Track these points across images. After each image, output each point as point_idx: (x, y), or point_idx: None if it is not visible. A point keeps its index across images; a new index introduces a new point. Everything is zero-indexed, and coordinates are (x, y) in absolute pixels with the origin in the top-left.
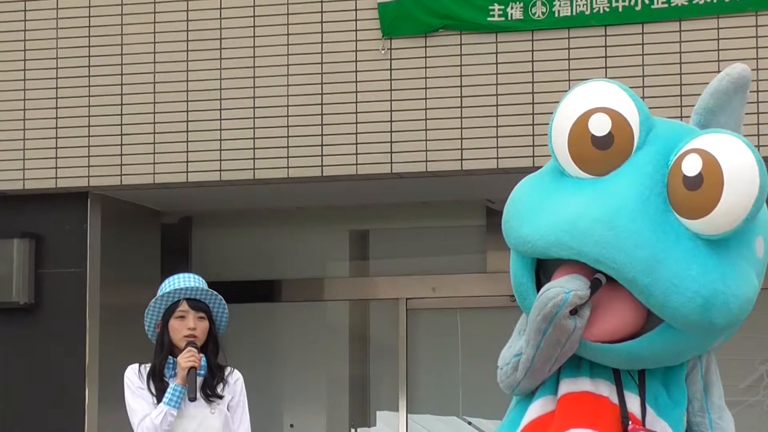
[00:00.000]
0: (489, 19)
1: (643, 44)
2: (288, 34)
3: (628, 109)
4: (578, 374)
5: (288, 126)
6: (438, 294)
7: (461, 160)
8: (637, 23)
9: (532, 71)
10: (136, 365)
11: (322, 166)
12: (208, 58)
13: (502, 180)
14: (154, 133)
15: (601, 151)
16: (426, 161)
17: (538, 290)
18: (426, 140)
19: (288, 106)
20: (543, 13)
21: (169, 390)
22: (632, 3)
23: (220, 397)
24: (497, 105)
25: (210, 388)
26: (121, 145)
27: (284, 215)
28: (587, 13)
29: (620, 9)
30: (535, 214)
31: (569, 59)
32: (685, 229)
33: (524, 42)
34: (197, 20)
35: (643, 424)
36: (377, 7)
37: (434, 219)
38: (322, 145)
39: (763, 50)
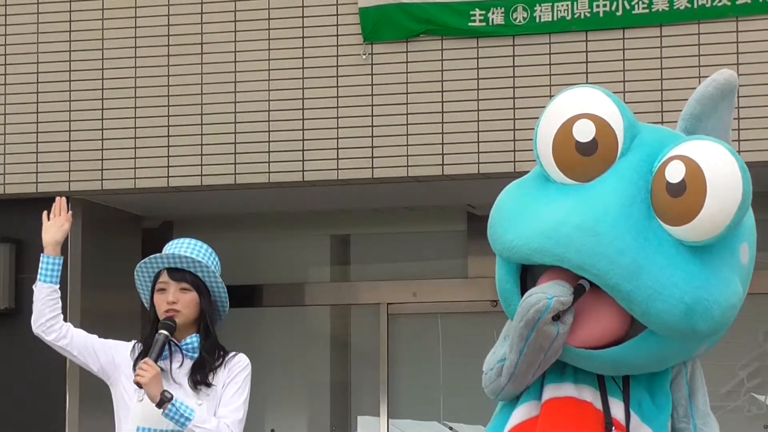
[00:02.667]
0: (470, 24)
1: (624, 49)
2: (269, 39)
3: (613, 115)
4: (562, 380)
5: (269, 131)
6: (419, 299)
7: (442, 165)
8: (618, 28)
9: (513, 76)
10: (134, 341)
11: (303, 171)
12: (188, 63)
13: (483, 185)
14: (135, 137)
15: (586, 157)
16: (407, 166)
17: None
18: (407, 145)
19: (269, 111)
20: (524, 19)
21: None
22: (613, 8)
23: (209, 386)
24: (478, 110)
25: (199, 374)
26: (102, 149)
27: (265, 220)
28: (568, 18)
29: (601, 14)
30: (519, 220)
31: (550, 64)
32: (669, 235)
33: (505, 47)
34: (178, 25)
35: (627, 430)
36: (358, 12)
37: (415, 224)
38: (303, 150)
39: (743, 56)
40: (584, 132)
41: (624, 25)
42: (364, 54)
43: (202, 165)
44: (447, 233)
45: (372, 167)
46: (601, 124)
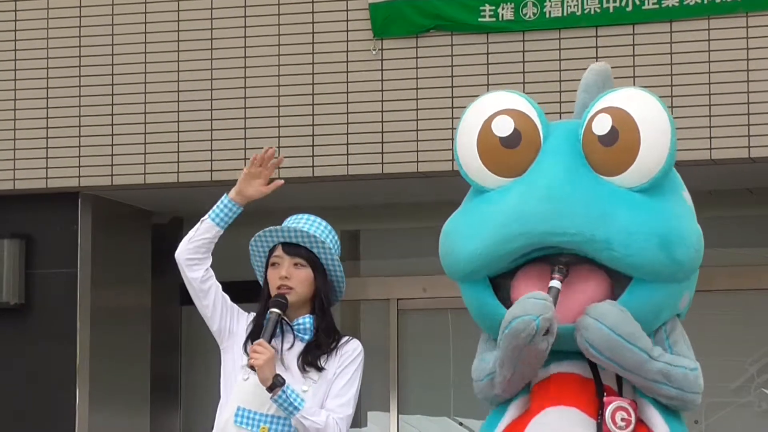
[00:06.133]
0: (480, 19)
1: (633, 45)
2: (279, 35)
3: (522, 104)
4: (546, 365)
5: (279, 126)
6: (429, 294)
7: (452, 160)
8: (628, 24)
9: (523, 72)
10: (253, 316)
11: (312, 166)
12: (198, 58)
13: None
14: (145, 133)
15: (513, 150)
16: (417, 162)
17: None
18: (417, 141)
19: (279, 106)
20: (534, 14)
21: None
22: (623, 4)
23: (319, 370)
24: None
25: (310, 356)
26: (112, 145)
27: (274, 216)
28: (578, 13)
29: (611, 10)
30: (478, 228)
31: (560, 60)
32: (618, 187)
33: (515, 43)
34: (188, 20)
35: (620, 393)
36: (368, 7)
37: (425, 219)
38: (312, 146)
39: (753, 51)
40: (503, 127)
41: (634, 20)
42: (374, 49)
43: (211, 160)
44: None
45: (382, 163)
46: (517, 115)
